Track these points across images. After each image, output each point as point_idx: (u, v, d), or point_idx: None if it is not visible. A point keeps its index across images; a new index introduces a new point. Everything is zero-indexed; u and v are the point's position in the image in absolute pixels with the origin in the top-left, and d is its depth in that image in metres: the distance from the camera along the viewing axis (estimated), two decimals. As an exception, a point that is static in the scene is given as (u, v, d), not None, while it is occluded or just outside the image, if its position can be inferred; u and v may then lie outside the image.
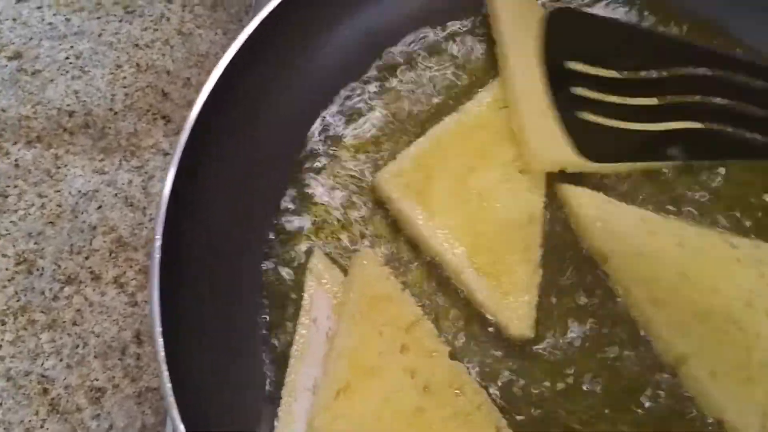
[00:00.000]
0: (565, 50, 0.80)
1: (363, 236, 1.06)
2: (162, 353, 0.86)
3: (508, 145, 1.06)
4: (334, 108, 1.14)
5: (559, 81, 0.82)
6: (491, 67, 1.14)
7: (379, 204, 1.07)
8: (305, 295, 1.00)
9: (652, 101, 0.78)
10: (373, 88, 1.14)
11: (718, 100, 0.74)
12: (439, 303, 1.01)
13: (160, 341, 0.86)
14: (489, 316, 0.99)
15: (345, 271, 1.02)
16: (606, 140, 0.81)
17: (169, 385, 0.84)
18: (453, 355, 0.95)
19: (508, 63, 1.09)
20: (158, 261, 0.90)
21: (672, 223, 1.02)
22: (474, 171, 1.05)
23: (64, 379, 1.05)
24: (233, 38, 1.02)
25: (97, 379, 1.06)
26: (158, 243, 0.90)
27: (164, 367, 0.85)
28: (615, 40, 0.80)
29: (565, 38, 0.80)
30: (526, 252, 1.01)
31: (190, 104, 0.97)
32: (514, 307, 0.97)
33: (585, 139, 0.82)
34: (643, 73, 0.77)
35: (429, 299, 1.01)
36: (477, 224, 1.02)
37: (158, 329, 0.87)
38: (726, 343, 0.93)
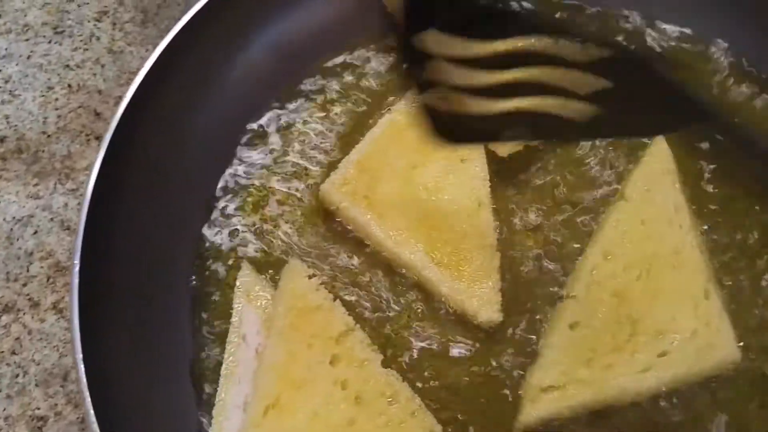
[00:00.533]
0: (422, 21, 0.81)
1: (290, 249, 1.05)
2: (84, 380, 0.85)
3: None
4: (263, 119, 1.15)
5: (417, 65, 0.83)
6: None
7: (309, 216, 1.08)
8: (234, 312, 0.99)
9: (496, 78, 0.80)
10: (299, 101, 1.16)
11: (548, 73, 0.79)
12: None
13: (82, 368, 0.86)
14: (454, 308, 0.99)
15: (275, 284, 1.01)
16: (457, 124, 0.84)
17: (92, 411, 0.84)
18: (385, 363, 0.94)
19: None
20: (77, 285, 0.90)
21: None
22: (417, 167, 1.07)
23: (4, 410, 1.04)
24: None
25: (38, 408, 1.04)
26: (76, 268, 0.90)
27: (87, 394, 0.85)
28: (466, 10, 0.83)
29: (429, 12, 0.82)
30: (481, 237, 1.02)
31: (123, 123, 0.97)
32: (479, 294, 0.98)
33: (440, 122, 0.85)
34: (489, 48, 0.80)
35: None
36: (429, 219, 1.03)
37: (79, 356, 0.86)
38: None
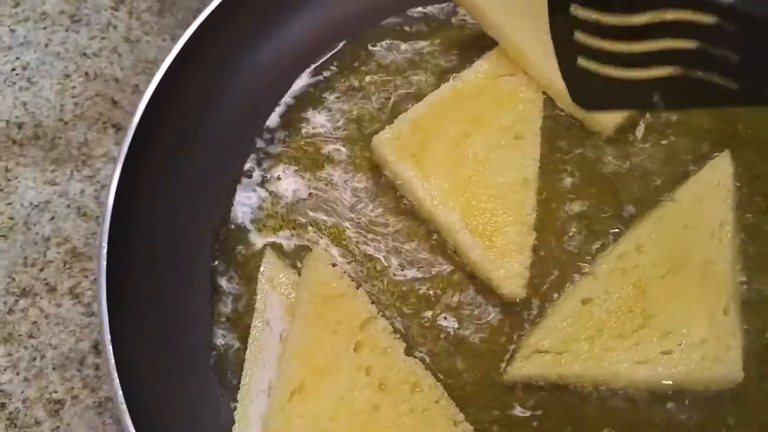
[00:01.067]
0: None
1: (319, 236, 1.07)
2: (112, 361, 0.87)
3: (504, 111, 1.11)
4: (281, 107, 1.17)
5: (560, 30, 0.86)
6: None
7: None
8: (258, 298, 1.01)
9: (641, 47, 0.80)
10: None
11: (693, 44, 0.77)
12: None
13: (110, 348, 0.87)
14: (482, 278, 1.01)
15: (298, 271, 1.03)
16: (597, 88, 0.86)
17: (120, 392, 0.85)
18: (409, 351, 0.96)
19: (503, 32, 1.14)
20: (105, 268, 0.91)
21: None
22: (469, 136, 1.09)
23: (22, 392, 1.05)
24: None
25: (55, 391, 1.05)
26: (104, 251, 0.91)
27: (115, 374, 0.86)
28: None
29: None
30: (519, 214, 1.04)
31: (140, 112, 0.98)
32: (507, 267, 1.00)
33: (579, 88, 0.88)
34: (635, 19, 0.79)
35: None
36: (471, 187, 1.05)
37: (107, 337, 0.88)
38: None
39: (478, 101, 1.11)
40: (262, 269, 1.02)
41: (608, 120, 1.09)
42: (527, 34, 1.11)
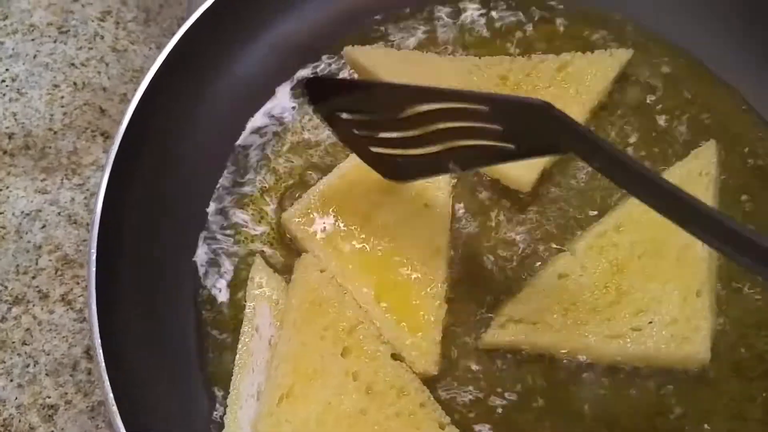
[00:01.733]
0: (331, 106, 0.99)
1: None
2: (103, 365, 0.89)
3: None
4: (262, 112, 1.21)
5: (341, 130, 1.01)
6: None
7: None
8: (248, 304, 1.03)
9: (416, 132, 0.93)
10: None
11: (457, 124, 0.89)
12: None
13: (101, 353, 0.90)
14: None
15: (286, 278, 1.05)
16: (397, 164, 0.99)
17: (111, 395, 0.87)
18: (395, 356, 0.98)
19: None
20: (94, 274, 0.94)
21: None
22: (380, 207, 1.08)
23: (16, 398, 1.06)
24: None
25: (49, 397, 1.07)
26: (93, 257, 0.94)
27: (105, 377, 0.88)
28: (361, 94, 0.99)
29: (326, 98, 0.99)
30: (431, 287, 1.03)
31: (127, 120, 1.01)
32: (418, 345, 0.99)
33: (384, 167, 1.02)
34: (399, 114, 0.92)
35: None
36: (384, 261, 1.04)
37: (98, 341, 0.90)
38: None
39: None
40: (251, 276, 1.05)
41: (524, 179, 1.09)
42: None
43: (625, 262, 1.02)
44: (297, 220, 1.07)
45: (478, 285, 1.05)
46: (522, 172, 1.09)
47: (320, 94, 0.98)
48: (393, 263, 1.04)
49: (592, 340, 0.98)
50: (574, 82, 1.16)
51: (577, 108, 1.14)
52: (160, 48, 1.21)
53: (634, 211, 1.05)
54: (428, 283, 1.03)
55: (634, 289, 1.01)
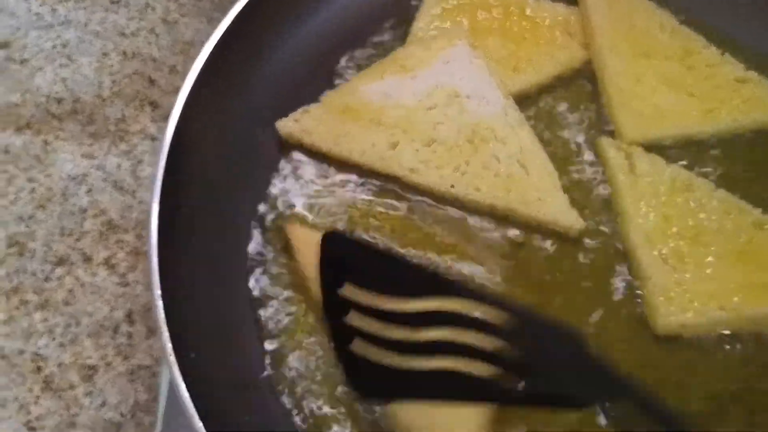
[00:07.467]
0: (339, 272, 0.82)
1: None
2: (162, 315, 0.87)
3: None
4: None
5: (334, 312, 0.82)
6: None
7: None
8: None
9: (416, 337, 0.78)
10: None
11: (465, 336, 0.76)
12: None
13: (159, 296, 0.88)
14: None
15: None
16: (376, 376, 0.80)
17: (170, 345, 0.86)
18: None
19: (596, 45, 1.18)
20: (156, 223, 0.92)
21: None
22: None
23: (57, 357, 1.06)
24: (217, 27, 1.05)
25: (89, 357, 1.07)
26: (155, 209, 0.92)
27: (165, 327, 0.87)
28: (380, 265, 0.84)
29: (338, 260, 0.83)
30: None
31: (176, 90, 1.00)
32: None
33: (358, 374, 0.82)
34: (409, 306, 0.78)
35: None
36: None
37: (157, 292, 0.88)
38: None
39: None
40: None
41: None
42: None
43: None
44: None
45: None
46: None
47: (337, 253, 0.85)
48: None
49: None
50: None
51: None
52: (210, 22, 1.23)
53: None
54: None
55: None
